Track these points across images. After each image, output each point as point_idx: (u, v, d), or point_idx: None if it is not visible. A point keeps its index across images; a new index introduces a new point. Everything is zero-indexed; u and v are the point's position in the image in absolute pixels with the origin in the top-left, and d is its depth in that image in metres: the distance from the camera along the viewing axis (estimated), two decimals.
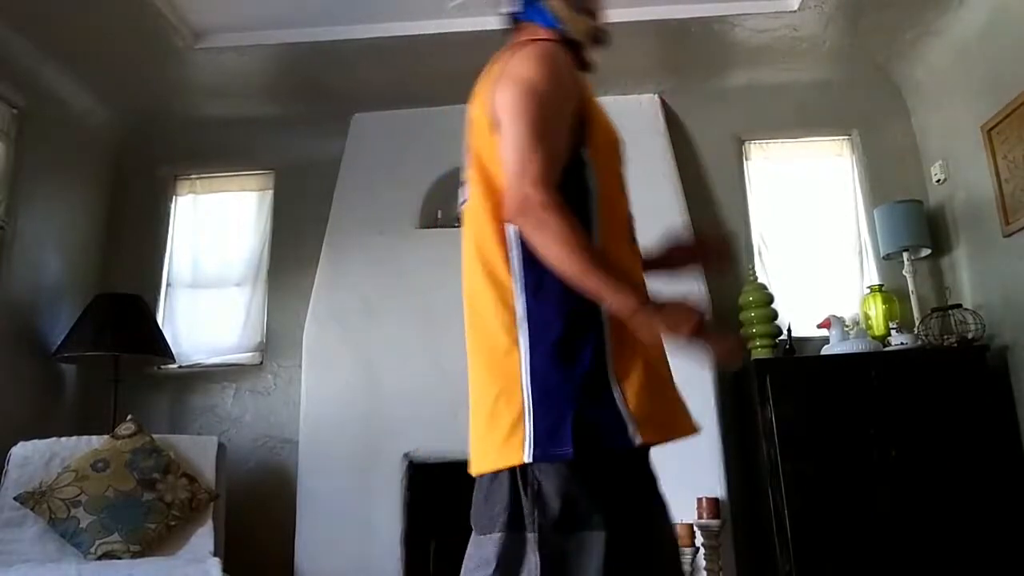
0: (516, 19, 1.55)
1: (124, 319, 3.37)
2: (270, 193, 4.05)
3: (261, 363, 3.79)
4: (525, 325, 1.27)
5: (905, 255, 3.49)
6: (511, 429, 1.24)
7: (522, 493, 1.23)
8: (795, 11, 3.30)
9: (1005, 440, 3.03)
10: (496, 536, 1.24)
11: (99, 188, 3.92)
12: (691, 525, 2.89)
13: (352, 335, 3.45)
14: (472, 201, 1.40)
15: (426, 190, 3.73)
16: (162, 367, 3.75)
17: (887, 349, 3.30)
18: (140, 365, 3.65)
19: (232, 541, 3.03)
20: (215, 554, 2.77)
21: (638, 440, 1.21)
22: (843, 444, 3.02)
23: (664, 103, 3.87)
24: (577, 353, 1.25)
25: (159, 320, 3.74)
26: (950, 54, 3.47)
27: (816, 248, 3.78)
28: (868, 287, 3.60)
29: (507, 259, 1.31)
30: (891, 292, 3.54)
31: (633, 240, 1.46)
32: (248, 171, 4.11)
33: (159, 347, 3.47)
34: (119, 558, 2.64)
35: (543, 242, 1.22)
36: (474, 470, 1.33)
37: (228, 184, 4.13)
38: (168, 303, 3.91)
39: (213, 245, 4.00)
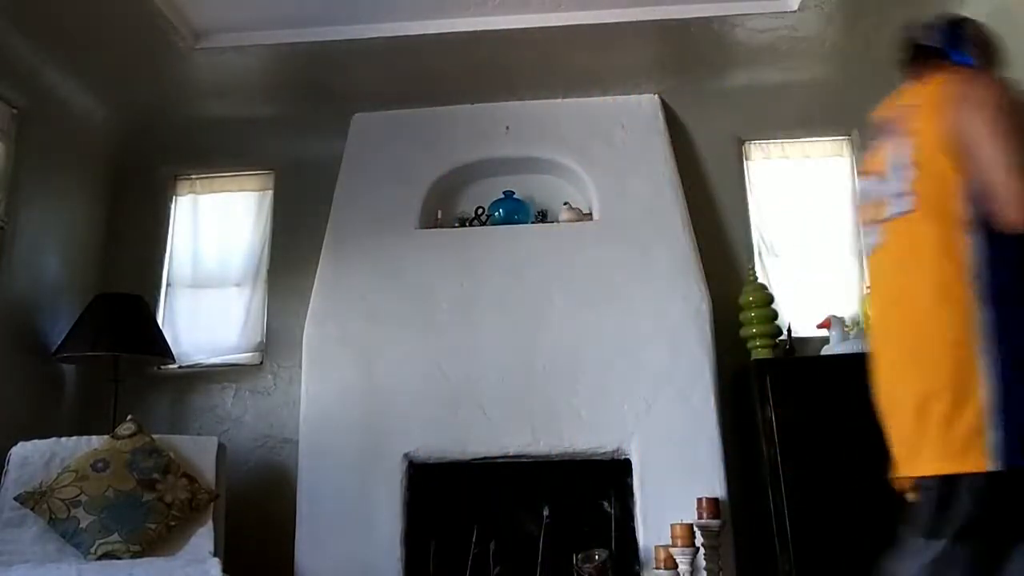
0: (936, 52, 1.75)
1: (124, 319, 3.37)
2: (270, 193, 4.05)
3: (261, 363, 3.79)
4: (991, 334, 1.31)
5: None
6: (970, 435, 1.27)
7: (982, 499, 1.26)
8: (795, 11, 3.29)
9: None
10: (944, 544, 1.30)
11: (99, 188, 3.92)
12: (691, 525, 2.89)
13: (352, 335, 3.45)
14: (914, 214, 1.48)
15: (426, 190, 3.73)
16: (162, 367, 3.75)
17: None
18: (140, 365, 3.66)
19: (232, 541, 3.03)
20: (215, 554, 2.76)
21: None
22: (843, 444, 3.01)
23: (664, 103, 3.86)
24: None
25: (159, 320, 3.74)
26: None
27: (816, 248, 3.78)
28: (868, 287, 3.60)
29: (961, 269, 1.36)
30: None
31: None
32: (248, 171, 4.11)
33: (159, 347, 3.47)
34: (119, 558, 2.64)
35: None
36: (915, 471, 1.39)
37: (228, 184, 4.12)
38: (168, 303, 3.91)
39: (213, 245, 4.00)
